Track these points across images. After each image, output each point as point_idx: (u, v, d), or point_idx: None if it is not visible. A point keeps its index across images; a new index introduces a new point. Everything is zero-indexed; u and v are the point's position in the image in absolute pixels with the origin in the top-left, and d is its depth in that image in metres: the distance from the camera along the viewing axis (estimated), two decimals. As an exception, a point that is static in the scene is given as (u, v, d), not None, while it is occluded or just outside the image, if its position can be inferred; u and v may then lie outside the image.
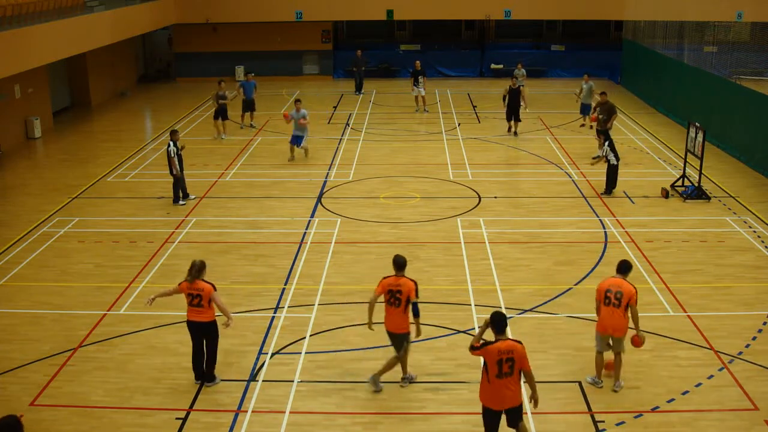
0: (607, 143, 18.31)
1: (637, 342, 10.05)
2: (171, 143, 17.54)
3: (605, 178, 18.48)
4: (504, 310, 12.53)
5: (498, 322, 8.38)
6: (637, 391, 10.28)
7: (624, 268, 10.32)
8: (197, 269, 10.23)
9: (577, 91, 24.76)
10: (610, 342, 10.20)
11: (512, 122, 24.43)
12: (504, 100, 24.45)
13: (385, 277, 10.16)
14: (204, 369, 10.51)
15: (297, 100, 22.00)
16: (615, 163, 18.16)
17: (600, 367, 10.41)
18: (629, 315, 10.04)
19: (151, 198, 18.55)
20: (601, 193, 18.40)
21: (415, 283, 10.04)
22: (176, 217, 17.19)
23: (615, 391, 10.25)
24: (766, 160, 19.98)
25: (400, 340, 10.16)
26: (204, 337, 10.40)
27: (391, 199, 18.28)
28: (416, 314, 10.05)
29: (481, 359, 8.44)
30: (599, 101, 21.26)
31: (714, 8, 29.80)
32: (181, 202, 17.91)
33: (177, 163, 17.52)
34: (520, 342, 8.41)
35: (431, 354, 11.29)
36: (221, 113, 23.96)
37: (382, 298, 10.14)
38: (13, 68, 20.31)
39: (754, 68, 25.71)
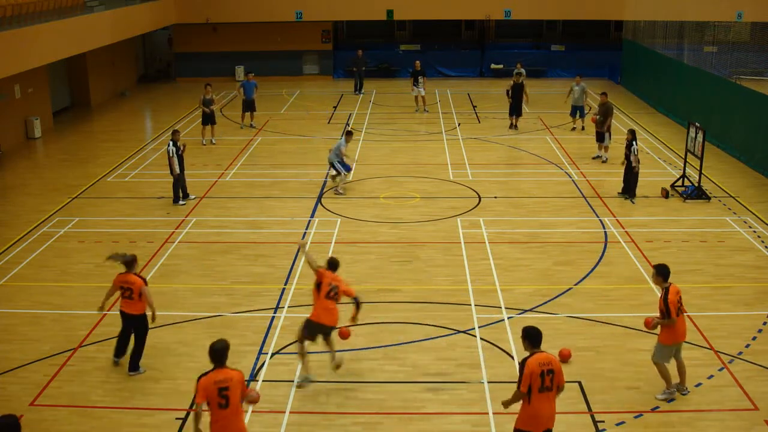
0: (635, 143, 17.76)
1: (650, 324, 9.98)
2: (171, 143, 17.56)
3: (626, 181, 18.16)
4: (504, 310, 12.54)
5: (534, 336, 8.06)
6: (637, 391, 10.28)
7: (669, 271, 10.06)
8: (129, 263, 10.68)
9: (567, 91, 24.60)
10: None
11: (514, 117, 24.88)
12: (508, 94, 24.81)
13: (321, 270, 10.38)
14: (125, 352, 10.96)
15: (349, 132, 19.56)
16: (635, 165, 17.81)
17: (669, 376, 10.05)
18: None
19: (151, 198, 18.55)
20: (622, 195, 18.16)
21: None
22: (176, 217, 17.19)
23: (684, 394, 10.13)
24: (766, 160, 19.98)
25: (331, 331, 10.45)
26: (134, 327, 10.80)
27: (391, 199, 18.28)
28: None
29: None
30: (600, 101, 21.31)
31: (714, 8, 29.84)
32: (181, 202, 17.92)
33: (177, 163, 17.53)
34: (554, 355, 8.17)
35: (431, 354, 11.30)
36: (210, 119, 23.38)
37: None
38: (13, 68, 20.31)
39: (754, 68, 25.69)
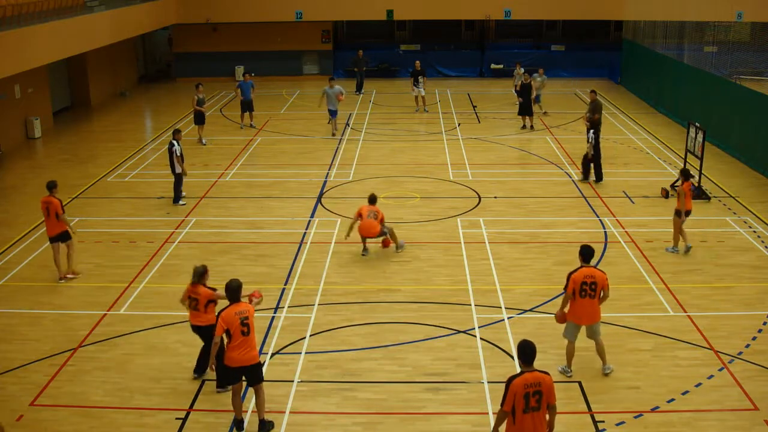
0: (592, 132, 18.94)
1: (561, 319, 10.53)
2: (175, 142, 17.65)
3: (591, 168, 19.40)
4: (504, 310, 12.54)
5: (526, 353, 7.75)
6: (637, 391, 10.28)
7: (590, 254, 10.53)
8: (197, 274, 10.22)
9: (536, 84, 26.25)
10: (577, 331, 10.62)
11: (525, 118, 25.25)
12: (515, 90, 25.76)
13: (362, 206, 14.76)
14: (205, 369, 10.62)
15: (331, 78, 25.28)
16: (591, 153, 19.05)
17: (571, 356, 10.62)
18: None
19: (151, 198, 18.55)
20: (580, 179, 19.55)
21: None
22: (176, 217, 17.20)
23: (606, 375, 10.56)
24: (766, 160, 19.98)
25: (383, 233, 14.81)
26: (201, 338, 10.45)
27: (391, 199, 18.27)
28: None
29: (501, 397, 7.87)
30: (590, 99, 21.46)
31: (714, 8, 29.80)
32: (181, 203, 17.92)
33: (182, 162, 17.64)
34: (547, 373, 7.80)
35: (431, 354, 11.30)
36: (203, 118, 23.54)
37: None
38: (13, 68, 20.31)
39: (754, 68, 25.71)
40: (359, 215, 14.64)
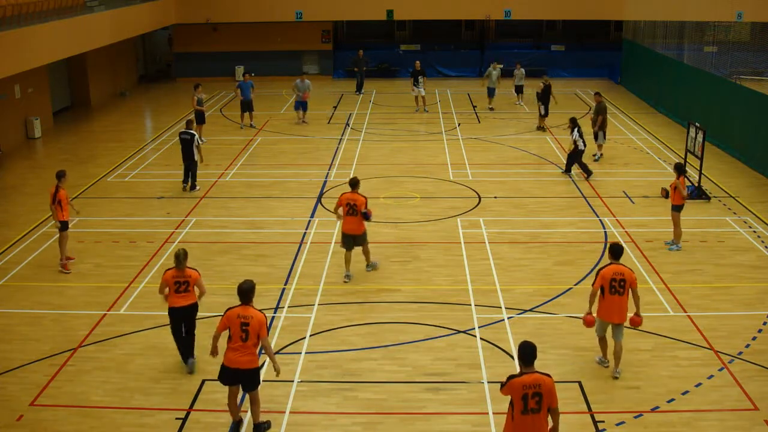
0: (576, 129, 19.38)
1: (637, 321, 10.44)
2: (194, 132, 18.65)
3: (567, 159, 20.11)
4: (504, 310, 12.55)
5: (525, 354, 7.67)
6: (637, 391, 10.28)
7: (620, 252, 10.56)
8: (182, 258, 10.58)
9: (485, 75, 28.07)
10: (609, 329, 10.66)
11: (540, 118, 25.28)
12: (537, 96, 25.34)
13: (342, 194, 13.70)
14: (187, 349, 10.90)
15: (303, 72, 27.41)
16: (582, 148, 19.44)
17: (605, 347, 10.72)
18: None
19: (151, 198, 18.55)
20: (562, 171, 20.17)
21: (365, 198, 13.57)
22: (176, 217, 17.20)
23: (615, 378, 10.53)
24: (765, 160, 19.98)
25: (363, 238, 13.78)
26: (186, 320, 10.70)
27: (391, 199, 18.27)
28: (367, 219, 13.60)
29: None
30: (595, 101, 21.45)
31: (714, 8, 29.80)
32: (197, 188, 18.92)
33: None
34: (549, 375, 7.70)
35: (431, 354, 11.30)
36: (201, 118, 23.68)
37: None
38: (13, 68, 20.30)
39: (754, 68, 25.72)
40: (340, 205, 13.63)
